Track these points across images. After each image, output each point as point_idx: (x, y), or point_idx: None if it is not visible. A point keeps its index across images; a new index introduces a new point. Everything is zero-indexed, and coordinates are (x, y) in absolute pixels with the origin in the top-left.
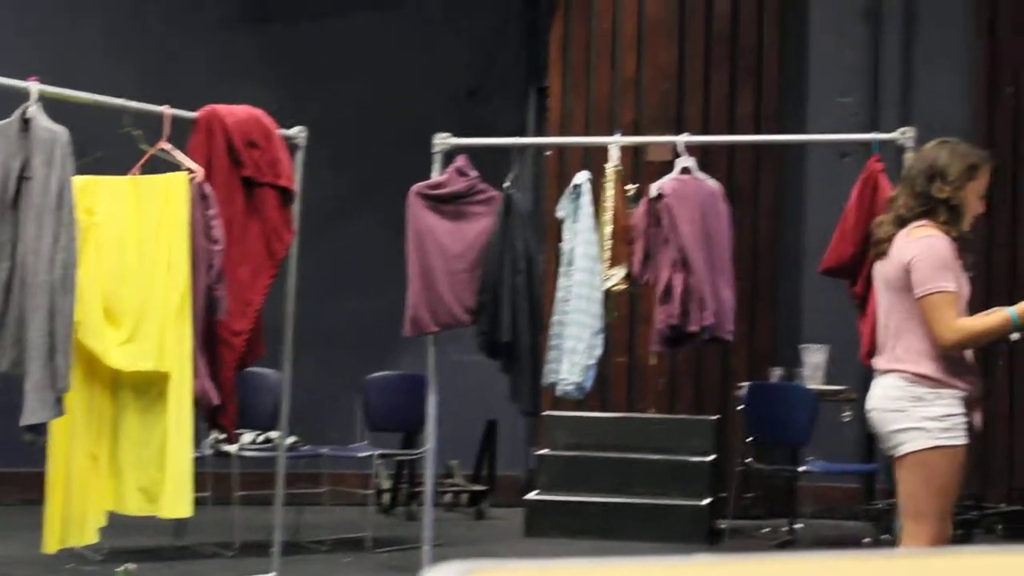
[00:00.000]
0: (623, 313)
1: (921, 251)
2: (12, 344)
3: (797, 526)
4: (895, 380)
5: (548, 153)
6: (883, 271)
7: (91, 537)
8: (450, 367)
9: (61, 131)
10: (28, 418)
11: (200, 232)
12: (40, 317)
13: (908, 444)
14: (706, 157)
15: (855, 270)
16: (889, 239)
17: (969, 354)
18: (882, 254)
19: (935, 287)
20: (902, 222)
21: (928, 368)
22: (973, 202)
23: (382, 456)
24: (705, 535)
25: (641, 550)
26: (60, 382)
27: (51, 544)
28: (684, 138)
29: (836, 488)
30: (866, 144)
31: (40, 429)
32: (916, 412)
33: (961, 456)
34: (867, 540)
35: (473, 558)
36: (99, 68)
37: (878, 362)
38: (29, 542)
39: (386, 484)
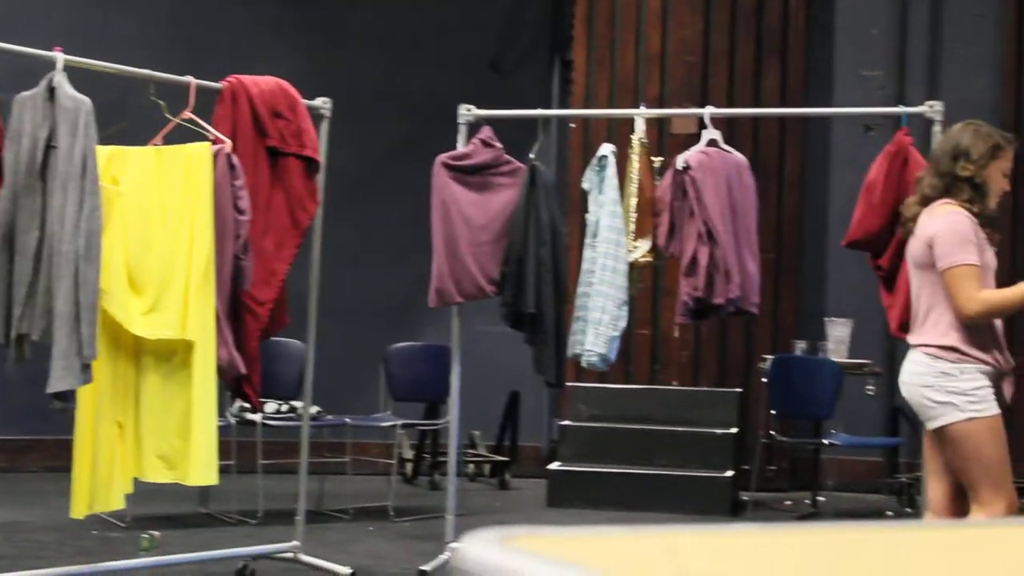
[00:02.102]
0: (647, 285)
1: (943, 227)
2: (42, 314)
3: (820, 499)
4: (922, 356)
5: (573, 125)
6: (910, 249)
7: (117, 503)
8: (473, 338)
9: (85, 100)
10: (54, 385)
11: (227, 202)
12: (66, 286)
13: (941, 418)
14: (731, 130)
15: (881, 243)
16: (915, 218)
17: (998, 328)
18: (909, 232)
19: (957, 260)
20: (927, 201)
21: (953, 341)
22: (998, 180)
23: (405, 426)
24: (728, 507)
25: (664, 521)
26: (86, 350)
27: (78, 510)
28: (710, 110)
29: (860, 461)
30: (891, 118)
31: (68, 396)
32: (944, 386)
33: (997, 424)
34: (890, 513)
35: (498, 527)
36: (124, 38)
37: (910, 338)
38: (54, 508)
39: (409, 454)
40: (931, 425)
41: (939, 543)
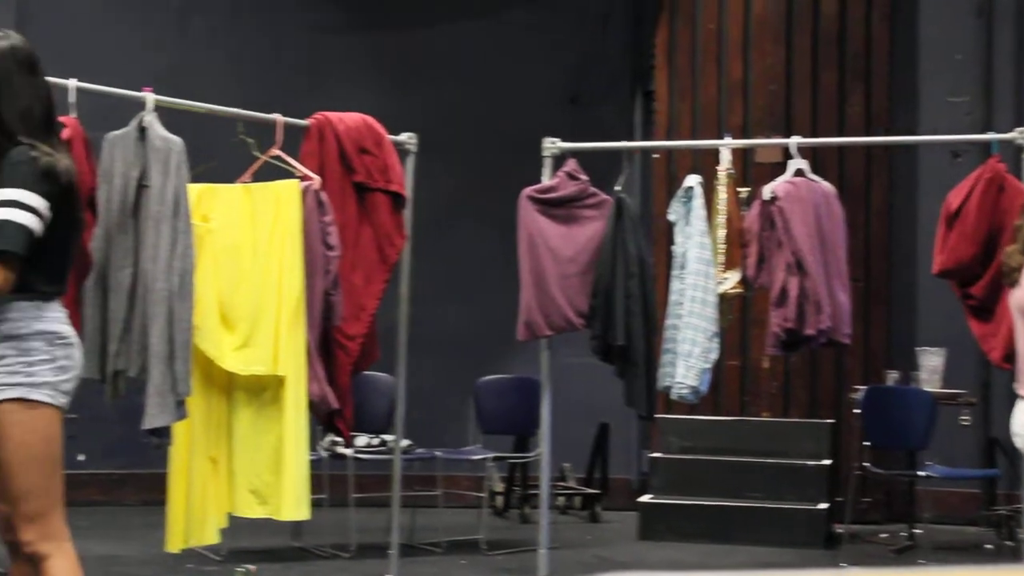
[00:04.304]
0: (736, 316)
1: None
2: (138, 351)
3: (916, 531)
4: None
5: (656, 156)
6: (1016, 299)
7: (212, 538)
8: (562, 370)
9: (176, 140)
10: (149, 422)
11: (317, 238)
12: (160, 323)
13: None
14: (815, 158)
15: (973, 272)
16: (1020, 268)
17: None
18: (1014, 283)
19: None
20: None
21: None
22: None
23: (495, 459)
24: (822, 539)
25: (757, 554)
26: (180, 386)
27: (174, 544)
28: (797, 140)
29: (956, 493)
30: (978, 144)
31: (163, 432)
32: None
33: None
34: (989, 547)
35: (589, 561)
36: (212, 77)
37: (1018, 388)
38: (148, 542)
39: (499, 487)
40: None
41: None
